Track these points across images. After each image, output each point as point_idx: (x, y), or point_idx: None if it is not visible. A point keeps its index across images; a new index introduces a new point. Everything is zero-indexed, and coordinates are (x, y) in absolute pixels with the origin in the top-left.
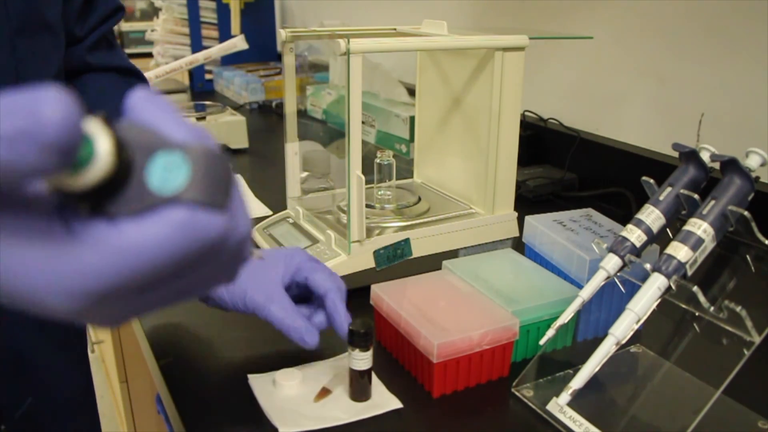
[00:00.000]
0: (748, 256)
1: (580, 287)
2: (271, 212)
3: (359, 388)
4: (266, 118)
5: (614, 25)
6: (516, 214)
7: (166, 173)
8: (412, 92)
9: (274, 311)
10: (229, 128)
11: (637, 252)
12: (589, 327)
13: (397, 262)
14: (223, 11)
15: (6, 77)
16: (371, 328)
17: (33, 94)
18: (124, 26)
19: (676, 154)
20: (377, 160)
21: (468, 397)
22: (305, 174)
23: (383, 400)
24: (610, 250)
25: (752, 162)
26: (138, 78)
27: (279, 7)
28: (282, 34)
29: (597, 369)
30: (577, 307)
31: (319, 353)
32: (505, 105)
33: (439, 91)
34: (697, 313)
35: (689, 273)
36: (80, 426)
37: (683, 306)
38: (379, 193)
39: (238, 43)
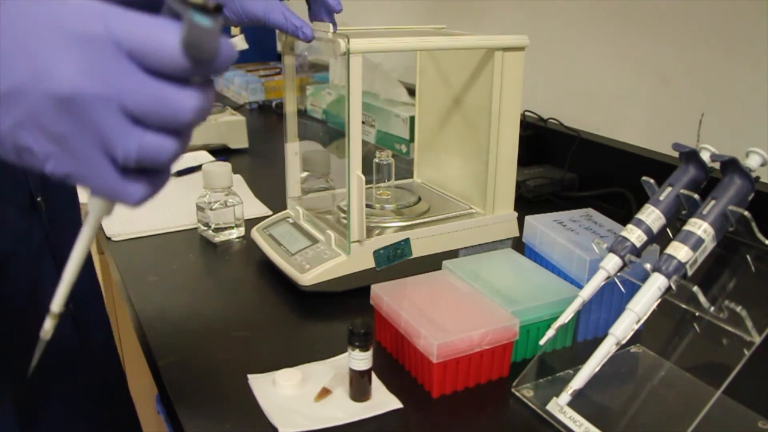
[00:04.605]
0: (748, 256)
1: (580, 287)
2: (271, 212)
3: (359, 388)
4: (266, 118)
5: (614, 25)
6: (516, 214)
7: None
8: (412, 92)
9: (274, 17)
10: (229, 128)
11: (637, 252)
12: (589, 327)
13: (397, 262)
14: None
15: None
16: (371, 328)
17: None
18: None
19: (676, 154)
20: (376, 160)
21: (468, 397)
22: (305, 174)
23: (383, 400)
24: (610, 250)
25: (752, 162)
26: None
27: None
28: (282, 34)
29: (597, 369)
30: (577, 307)
31: (319, 353)
32: (505, 105)
33: (439, 91)
34: (697, 313)
35: (689, 273)
36: None
37: (683, 306)
38: (378, 192)
39: (238, 42)
